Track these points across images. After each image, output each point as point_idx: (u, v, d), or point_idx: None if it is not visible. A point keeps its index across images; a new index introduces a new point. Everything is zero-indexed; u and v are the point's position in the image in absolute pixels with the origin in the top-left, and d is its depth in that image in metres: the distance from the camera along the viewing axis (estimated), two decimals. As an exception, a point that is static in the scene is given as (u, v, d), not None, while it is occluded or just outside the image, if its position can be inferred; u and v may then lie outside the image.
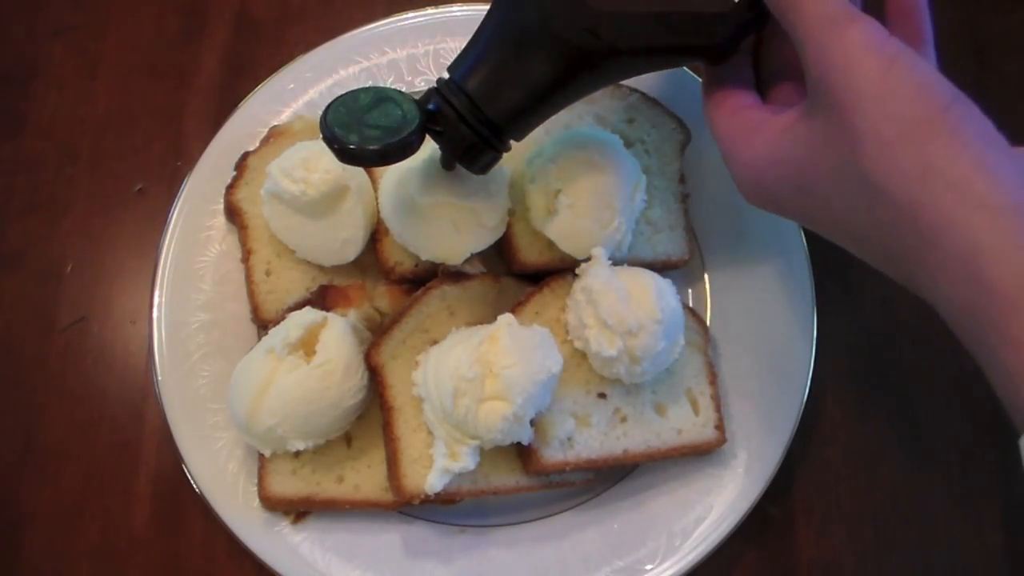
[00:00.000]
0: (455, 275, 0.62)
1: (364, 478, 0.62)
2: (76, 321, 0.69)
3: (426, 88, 0.50)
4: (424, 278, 0.63)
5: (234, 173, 0.67)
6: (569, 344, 0.62)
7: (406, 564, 0.61)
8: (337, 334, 0.59)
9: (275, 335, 0.59)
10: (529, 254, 0.64)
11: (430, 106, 0.49)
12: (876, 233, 0.43)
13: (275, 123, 0.69)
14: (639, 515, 0.63)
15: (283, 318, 0.61)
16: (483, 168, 0.52)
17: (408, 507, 0.61)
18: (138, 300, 0.69)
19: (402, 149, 0.47)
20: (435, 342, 0.61)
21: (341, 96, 0.48)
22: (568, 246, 0.62)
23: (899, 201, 0.40)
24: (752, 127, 0.48)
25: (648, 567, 0.61)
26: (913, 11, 0.49)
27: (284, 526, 0.62)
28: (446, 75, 0.50)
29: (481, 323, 0.61)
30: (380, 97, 0.48)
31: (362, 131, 0.47)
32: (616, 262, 0.62)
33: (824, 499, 0.67)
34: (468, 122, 0.49)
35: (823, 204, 0.45)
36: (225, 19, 0.77)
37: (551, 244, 0.63)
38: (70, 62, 0.76)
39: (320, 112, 0.47)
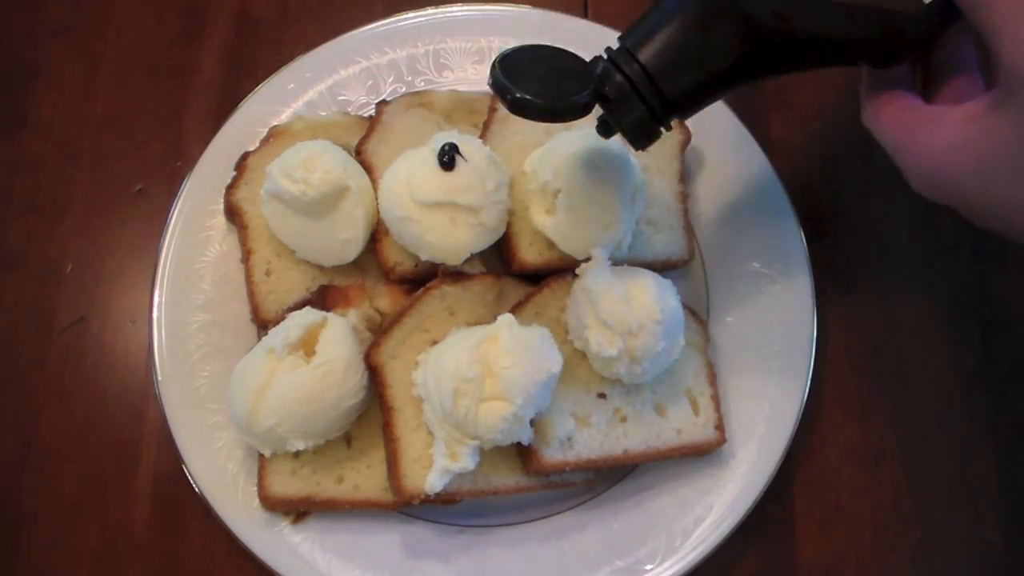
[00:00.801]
0: (455, 275, 0.62)
1: (364, 478, 0.62)
2: (76, 321, 0.69)
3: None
4: (424, 278, 0.63)
5: (234, 173, 0.67)
6: (569, 344, 0.62)
7: (406, 564, 0.61)
8: (337, 334, 0.59)
9: (275, 335, 0.59)
10: (529, 254, 0.64)
11: (606, 73, 0.48)
12: None
13: (275, 123, 0.69)
14: (639, 515, 0.63)
15: (283, 318, 0.61)
16: (643, 143, 0.50)
17: (408, 507, 0.61)
18: (138, 300, 0.69)
19: (574, 109, 0.46)
20: (435, 342, 0.61)
21: (514, 48, 0.47)
22: (568, 246, 0.62)
23: None
24: (926, 120, 0.47)
25: (648, 567, 0.61)
26: None
27: (284, 526, 0.62)
28: (616, 43, 0.49)
29: (481, 323, 0.61)
30: (554, 55, 0.47)
31: (534, 85, 0.45)
32: (616, 262, 0.62)
33: (824, 499, 0.67)
34: (642, 94, 0.47)
35: (1011, 198, 0.44)
36: (225, 19, 0.78)
37: (551, 244, 0.63)
38: (70, 62, 0.76)
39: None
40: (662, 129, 0.50)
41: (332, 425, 0.59)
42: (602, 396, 0.62)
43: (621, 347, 0.58)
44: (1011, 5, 0.42)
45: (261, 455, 0.61)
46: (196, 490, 0.62)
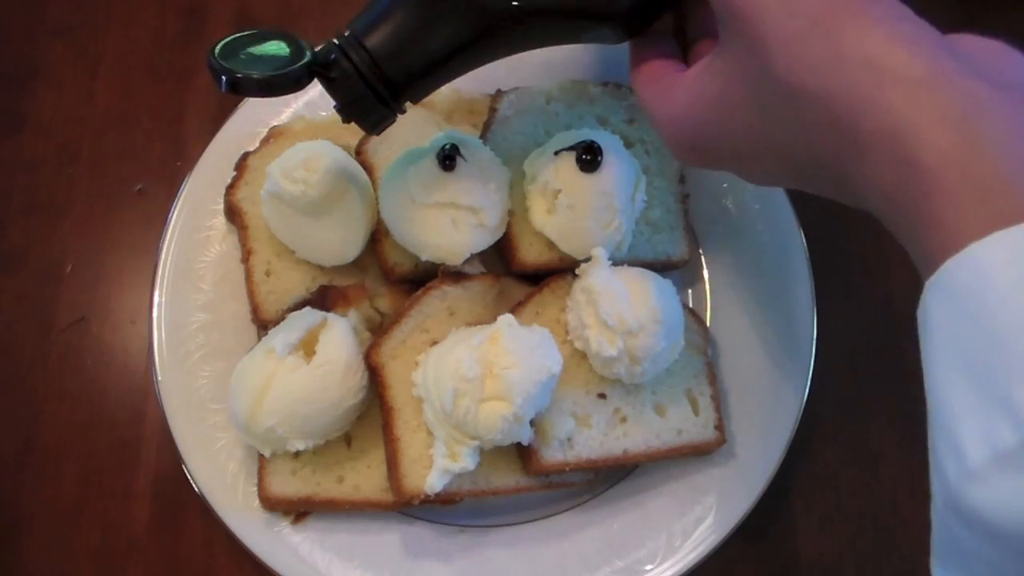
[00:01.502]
0: (455, 275, 0.62)
1: (364, 478, 0.62)
2: (76, 321, 0.69)
3: None
4: (424, 278, 0.63)
5: (234, 173, 0.67)
6: (569, 344, 0.62)
7: (406, 564, 0.61)
8: (337, 334, 0.59)
9: (275, 335, 0.59)
10: (529, 254, 0.64)
11: (330, 56, 0.47)
12: (804, 147, 0.40)
13: (275, 123, 0.69)
14: (639, 515, 0.63)
15: (283, 318, 0.61)
16: (374, 126, 0.50)
17: (408, 507, 0.60)
18: (138, 300, 0.69)
19: (286, 82, 0.46)
20: (435, 342, 0.61)
21: (233, 35, 0.47)
22: (568, 246, 0.62)
23: (816, 97, 0.37)
24: (671, 84, 0.47)
25: (648, 567, 0.61)
26: None
27: (284, 526, 0.61)
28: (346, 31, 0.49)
29: (481, 323, 0.61)
30: (272, 35, 0.47)
31: (249, 62, 0.45)
32: (616, 262, 0.62)
33: (824, 499, 0.67)
34: (365, 77, 0.47)
35: (750, 135, 0.43)
36: (225, 19, 0.78)
37: (551, 244, 0.63)
38: (70, 62, 0.76)
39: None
40: (395, 112, 0.50)
41: (332, 425, 0.59)
42: (602, 396, 0.62)
43: (621, 347, 0.58)
44: None
45: (261, 455, 0.61)
46: (196, 490, 0.62)
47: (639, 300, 0.59)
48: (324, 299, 0.63)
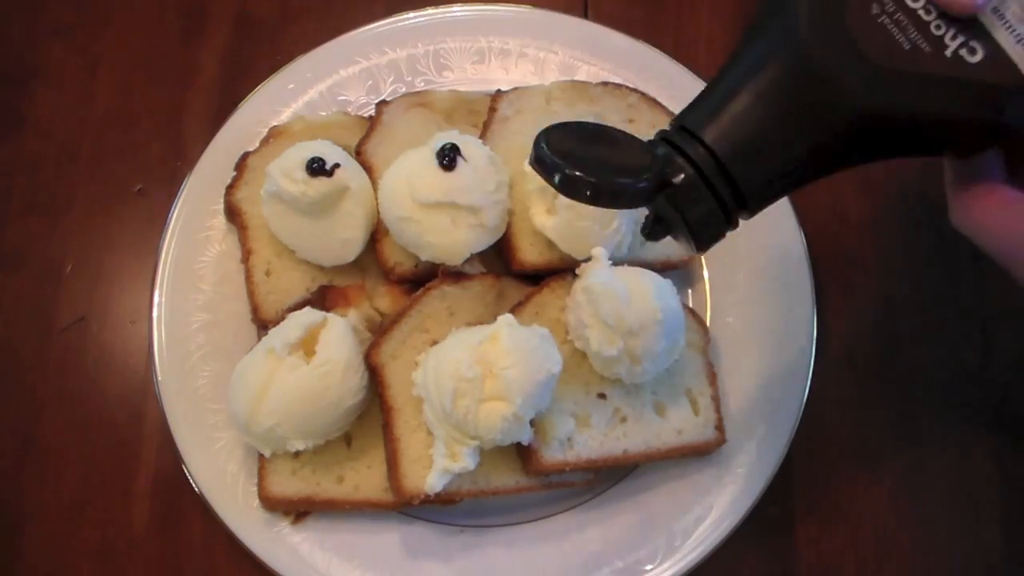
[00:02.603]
0: (455, 275, 0.62)
1: (364, 478, 0.62)
2: (76, 321, 0.69)
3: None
4: (424, 278, 0.63)
5: (234, 173, 0.67)
6: (569, 344, 0.62)
7: (406, 564, 0.61)
8: (337, 334, 0.59)
9: (275, 335, 0.59)
10: (529, 254, 0.64)
11: (658, 151, 0.41)
12: None
13: (275, 123, 0.69)
14: (639, 515, 0.63)
15: (283, 318, 0.61)
16: (705, 244, 0.43)
17: (408, 507, 0.60)
18: (138, 300, 0.69)
19: (636, 195, 0.39)
20: (435, 342, 0.61)
21: (557, 124, 0.42)
22: (568, 246, 0.62)
23: None
24: None
25: (648, 567, 0.61)
26: None
27: (284, 526, 0.61)
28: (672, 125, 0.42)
29: (481, 323, 0.61)
30: (605, 132, 0.42)
31: (589, 163, 0.39)
32: (616, 262, 0.62)
33: (824, 499, 0.67)
34: (711, 183, 0.40)
35: None
36: (225, 19, 0.77)
37: (551, 244, 0.63)
38: (70, 62, 0.76)
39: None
40: (734, 226, 0.43)
41: (332, 425, 0.59)
42: (602, 396, 0.62)
43: (621, 347, 0.58)
44: None
45: (261, 455, 0.61)
46: (196, 490, 0.62)
47: (639, 300, 0.59)
48: (324, 299, 0.63)
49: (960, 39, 0.40)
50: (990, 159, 0.45)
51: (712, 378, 0.65)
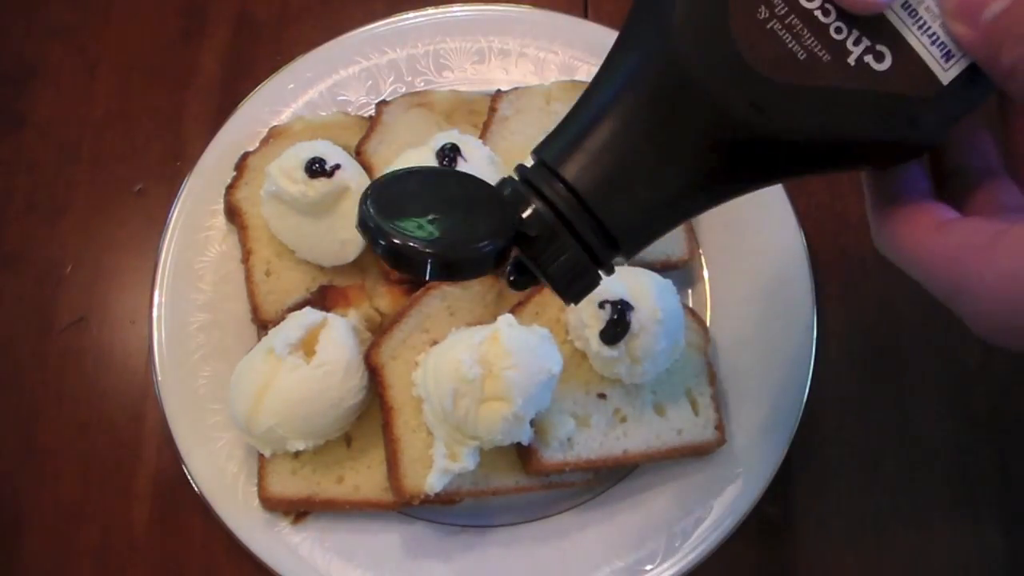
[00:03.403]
0: (455, 275, 0.62)
1: (364, 478, 0.62)
2: (76, 321, 0.69)
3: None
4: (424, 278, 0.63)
5: (234, 173, 0.67)
6: (569, 344, 0.62)
7: (406, 564, 0.61)
8: (337, 334, 0.59)
9: (275, 335, 0.59)
10: (529, 254, 0.64)
11: (506, 192, 0.35)
12: None
13: (275, 123, 0.69)
14: (639, 515, 0.63)
15: (283, 318, 0.61)
16: (576, 295, 0.36)
17: (408, 507, 0.60)
18: (138, 300, 0.69)
19: (482, 260, 0.33)
20: (435, 342, 0.61)
21: (393, 173, 0.35)
22: (568, 246, 0.62)
23: None
24: (981, 243, 0.34)
25: (648, 567, 0.61)
26: None
27: (284, 526, 0.61)
28: (529, 160, 0.35)
29: (481, 323, 0.61)
30: (446, 180, 0.35)
31: (423, 226, 0.33)
32: (616, 262, 0.62)
33: (824, 499, 0.67)
34: (574, 228, 0.34)
35: None
36: (225, 19, 0.77)
37: (551, 244, 0.63)
38: (70, 62, 0.76)
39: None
40: (608, 272, 0.36)
41: (332, 425, 0.59)
42: (602, 396, 0.62)
43: (621, 347, 0.58)
44: None
45: (261, 455, 0.61)
46: (196, 490, 0.62)
47: (639, 300, 0.59)
48: (324, 299, 0.63)
49: (865, 43, 0.34)
50: (914, 170, 0.39)
51: (712, 378, 0.65)
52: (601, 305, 0.58)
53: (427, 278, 0.32)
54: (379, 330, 0.62)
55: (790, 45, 0.33)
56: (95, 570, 0.64)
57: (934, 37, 0.34)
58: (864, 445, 0.68)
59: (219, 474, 0.62)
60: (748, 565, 0.65)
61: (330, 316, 0.60)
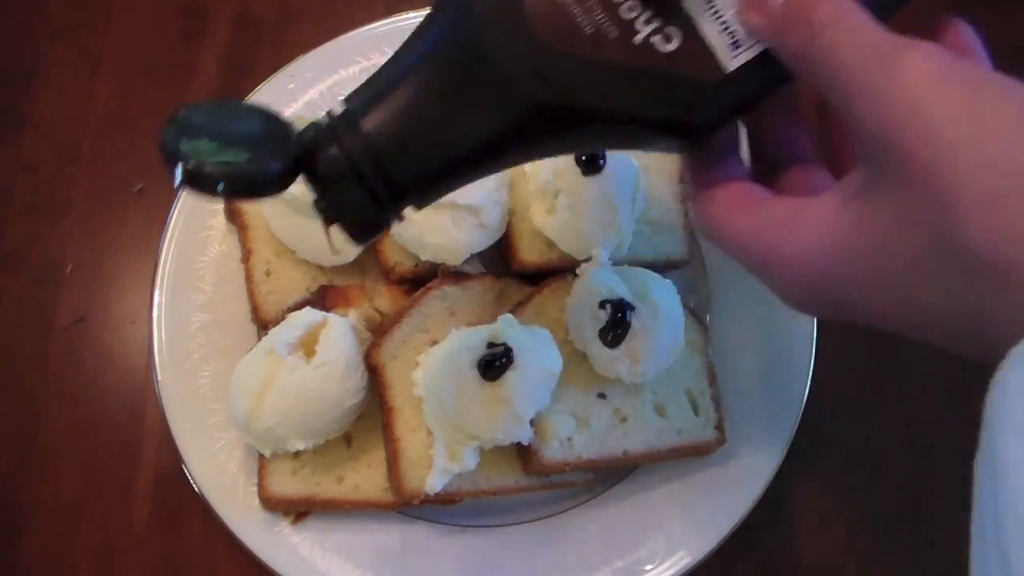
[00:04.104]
0: (455, 275, 0.62)
1: (364, 478, 0.62)
2: (76, 321, 0.69)
3: None
4: (424, 278, 0.63)
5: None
6: (569, 344, 0.62)
7: (406, 564, 0.61)
8: (337, 334, 0.59)
9: (275, 335, 0.59)
10: (529, 254, 0.64)
11: (317, 140, 0.36)
12: (976, 319, 0.32)
13: (275, 123, 0.69)
14: (639, 515, 0.63)
15: (283, 318, 0.61)
16: (363, 237, 0.39)
17: (408, 507, 0.61)
18: (138, 300, 0.69)
19: (264, 180, 0.35)
20: (435, 342, 0.61)
21: (195, 104, 0.36)
22: (568, 246, 0.62)
23: (1018, 270, 0.29)
24: (782, 219, 0.36)
25: (648, 567, 0.61)
26: (967, 52, 0.37)
27: (284, 526, 0.61)
28: (340, 106, 0.37)
29: (481, 323, 0.61)
30: (248, 109, 0.37)
31: (216, 148, 0.34)
32: (616, 262, 0.62)
33: (824, 499, 0.67)
34: (361, 173, 0.36)
35: (904, 296, 0.33)
36: (225, 19, 0.77)
37: (551, 244, 0.63)
38: (70, 62, 0.76)
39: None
40: (392, 220, 0.38)
41: (332, 425, 0.59)
42: (602, 396, 0.62)
43: (621, 347, 0.58)
44: (857, 51, 0.32)
45: (261, 455, 0.61)
46: (196, 490, 0.62)
47: (639, 300, 0.59)
48: (324, 299, 0.63)
49: (655, 24, 0.35)
50: (730, 154, 0.40)
51: (712, 378, 0.65)
52: (601, 305, 0.58)
53: (220, 196, 0.34)
54: (379, 330, 0.62)
55: (579, 19, 0.34)
56: (95, 570, 0.64)
57: (725, 25, 0.35)
58: (864, 445, 0.68)
59: (219, 474, 0.62)
60: (748, 565, 0.65)
61: (330, 316, 0.60)
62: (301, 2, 0.78)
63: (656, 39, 0.35)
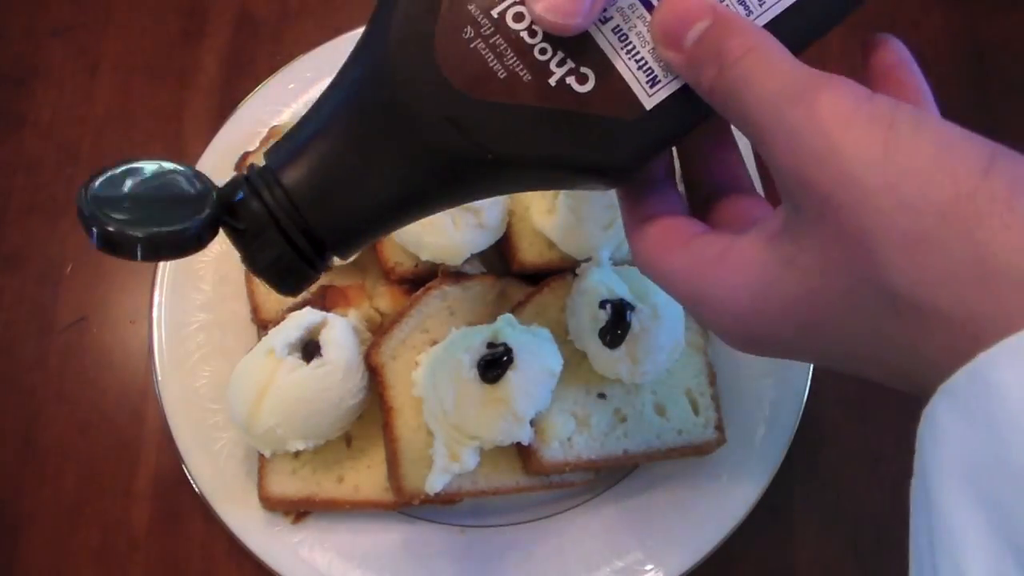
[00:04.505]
0: (455, 275, 0.62)
1: (364, 478, 0.62)
2: (76, 321, 0.69)
3: None
4: (424, 278, 0.63)
5: (234, 173, 0.67)
6: (569, 344, 0.62)
7: (406, 564, 0.61)
8: (337, 334, 0.59)
9: (275, 335, 0.59)
10: (529, 254, 0.64)
11: (237, 196, 0.36)
12: (907, 356, 0.33)
13: (275, 123, 0.69)
14: (639, 515, 0.63)
15: (283, 318, 0.61)
16: (291, 289, 0.38)
17: (408, 507, 0.61)
18: (138, 300, 0.69)
19: (184, 240, 0.34)
20: (435, 342, 0.61)
21: (119, 164, 0.36)
22: (568, 246, 0.62)
23: (940, 313, 0.28)
24: (711, 258, 0.35)
25: (648, 567, 0.61)
26: (898, 67, 0.37)
27: (284, 526, 0.61)
28: (261, 162, 0.37)
29: (481, 323, 0.61)
30: (167, 172, 0.36)
31: (137, 207, 0.34)
32: (616, 262, 0.62)
33: (824, 499, 0.67)
34: (281, 226, 0.35)
35: (834, 337, 0.33)
36: (225, 19, 0.78)
37: (551, 244, 0.63)
38: (70, 62, 0.76)
39: None
40: (318, 272, 0.37)
41: (332, 425, 0.59)
42: (602, 396, 0.62)
43: (621, 347, 0.58)
44: (772, 89, 0.31)
45: (261, 455, 0.61)
46: (196, 490, 0.62)
47: (639, 300, 0.59)
48: (324, 299, 0.63)
49: (569, 65, 0.34)
50: (665, 187, 0.39)
51: (712, 378, 0.65)
52: (601, 305, 0.58)
53: (139, 259, 0.34)
54: (379, 330, 0.62)
55: (491, 64, 0.34)
56: (95, 570, 0.64)
57: (641, 62, 0.34)
58: (864, 445, 0.68)
59: (219, 474, 0.62)
60: (748, 565, 0.65)
61: (330, 316, 0.60)
62: (301, 2, 0.78)
63: (571, 79, 0.34)
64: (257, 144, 0.68)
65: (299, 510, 0.62)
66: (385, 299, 0.65)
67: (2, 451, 0.66)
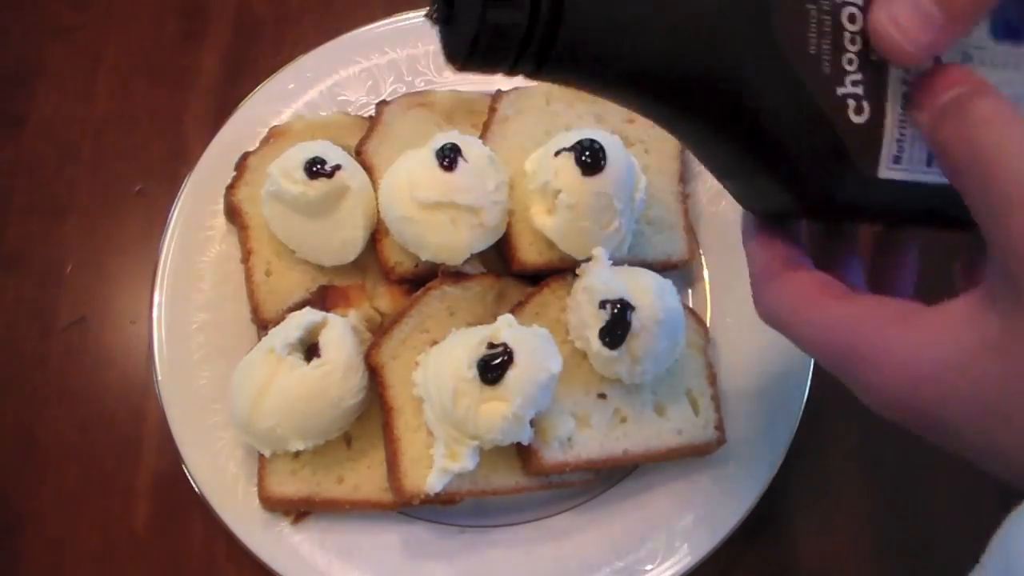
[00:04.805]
0: (455, 275, 0.62)
1: (364, 478, 0.62)
2: (76, 321, 0.69)
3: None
4: (424, 278, 0.63)
5: (234, 173, 0.67)
6: (569, 344, 0.62)
7: (406, 564, 0.61)
8: (337, 334, 0.59)
9: (275, 335, 0.59)
10: (529, 254, 0.64)
11: None
12: None
13: (275, 123, 0.69)
14: (639, 515, 0.63)
15: (283, 318, 0.61)
16: (474, 51, 0.34)
17: (408, 507, 0.60)
18: (138, 300, 0.69)
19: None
20: (435, 342, 0.61)
21: None
22: (568, 246, 0.62)
23: None
24: (893, 317, 0.34)
25: (648, 567, 0.61)
26: None
27: (284, 526, 0.61)
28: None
29: (481, 323, 0.61)
30: None
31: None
32: (616, 262, 0.62)
33: (824, 499, 0.67)
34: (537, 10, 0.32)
35: (1017, 428, 0.32)
36: (225, 19, 0.78)
37: (551, 244, 0.63)
38: (70, 62, 0.76)
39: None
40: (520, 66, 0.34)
41: (332, 425, 0.59)
42: (602, 396, 0.62)
43: (622, 347, 0.58)
44: (1015, 183, 0.29)
45: (261, 455, 0.61)
46: (196, 490, 0.62)
47: (639, 300, 0.59)
48: (324, 299, 0.63)
49: (859, 88, 0.35)
50: (799, 242, 0.39)
51: (712, 378, 0.65)
52: (601, 305, 0.58)
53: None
54: (379, 330, 0.62)
55: (809, 34, 0.34)
56: (95, 569, 0.64)
57: (903, 130, 0.35)
58: (864, 445, 0.68)
59: (219, 474, 0.62)
60: (748, 565, 0.65)
61: (330, 316, 0.61)
62: (301, 2, 0.78)
63: (851, 102, 0.35)
64: (257, 144, 0.68)
65: (299, 510, 0.62)
66: (385, 299, 0.65)
67: (3, 450, 0.66)
